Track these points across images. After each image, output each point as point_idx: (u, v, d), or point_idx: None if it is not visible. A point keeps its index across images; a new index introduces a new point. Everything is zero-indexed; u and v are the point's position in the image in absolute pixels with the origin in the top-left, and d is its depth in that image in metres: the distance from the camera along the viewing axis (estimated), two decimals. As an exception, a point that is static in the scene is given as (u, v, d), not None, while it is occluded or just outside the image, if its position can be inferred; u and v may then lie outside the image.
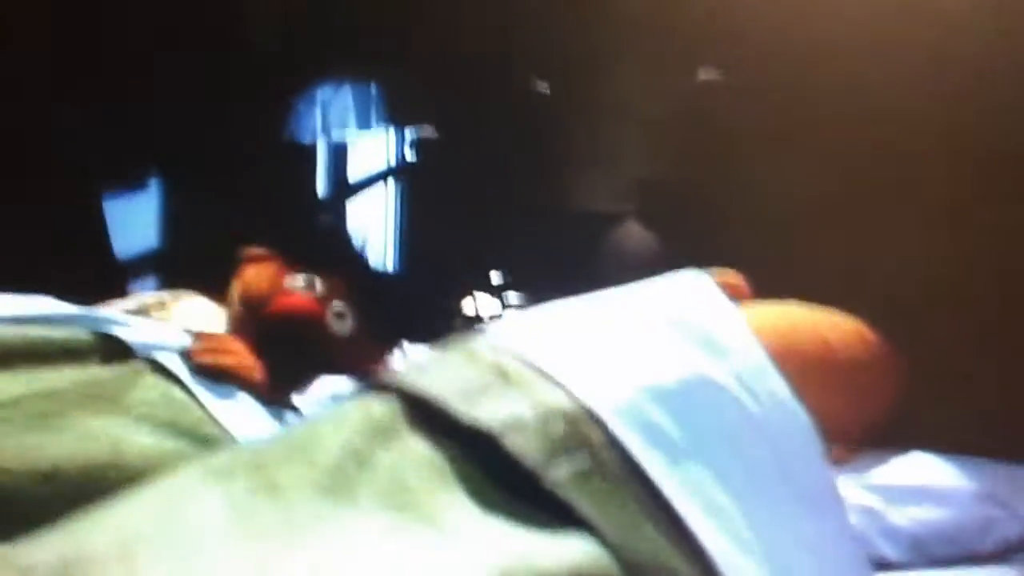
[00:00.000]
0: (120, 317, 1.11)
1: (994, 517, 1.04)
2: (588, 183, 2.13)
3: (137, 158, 2.17)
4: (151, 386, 0.99)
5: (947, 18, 1.39)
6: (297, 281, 1.22)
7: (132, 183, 2.17)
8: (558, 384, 0.74)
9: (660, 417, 0.73)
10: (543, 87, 2.18)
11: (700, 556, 0.67)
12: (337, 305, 1.23)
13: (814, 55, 1.54)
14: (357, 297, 1.25)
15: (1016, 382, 1.25)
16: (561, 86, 2.17)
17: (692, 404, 0.75)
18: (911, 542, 1.02)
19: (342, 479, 0.67)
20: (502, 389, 0.74)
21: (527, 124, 2.15)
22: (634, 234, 2.01)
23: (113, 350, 1.02)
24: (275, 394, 1.10)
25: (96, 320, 1.07)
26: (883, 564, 1.00)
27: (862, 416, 1.14)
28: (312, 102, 2.37)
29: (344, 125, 2.38)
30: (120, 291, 1.92)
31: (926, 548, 1.03)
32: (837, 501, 0.82)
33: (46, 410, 0.92)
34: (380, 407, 0.76)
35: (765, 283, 1.12)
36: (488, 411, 0.71)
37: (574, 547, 0.63)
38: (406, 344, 1.39)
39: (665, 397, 0.74)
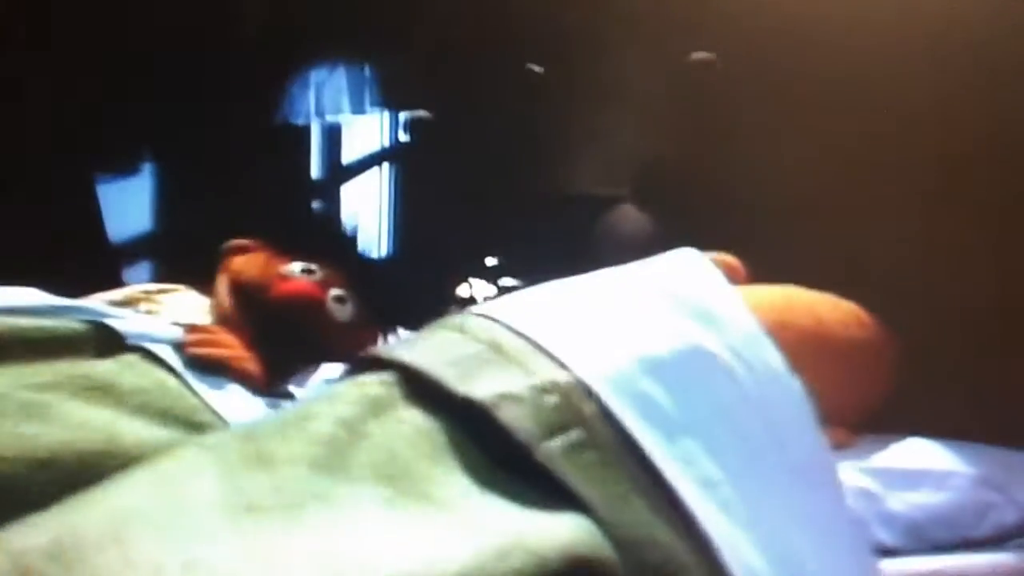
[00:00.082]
0: (111, 309, 1.11)
1: (991, 502, 1.04)
2: (583, 166, 2.12)
3: (130, 143, 2.16)
4: (144, 375, 0.99)
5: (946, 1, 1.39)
6: (295, 268, 1.22)
7: (125, 168, 2.16)
8: (551, 356, 0.74)
9: (653, 389, 0.73)
10: (538, 69, 2.17)
11: (693, 530, 0.67)
12: (337, 291, 1.23)
13: (811, 37, 1.54)
14: (351, 284, 1.24)
15: (1013, 367, 1.25)
16: (556, 68, 2.15)
17: (686, 376, 0.75)
18: (908, 527, 1.02)
19: (335, 451, 0.67)
20: (495, 362, 0.73)
21: (522, 107, 2.14)
22: (629, 217, 2.00)
23: (105, 340, 1.02)
24: (270, 384, 1.10)
25: (88, 311, 1.06)
26: (880, 550, 1.00)
27: (858, 397, 1.14)
28: (306, 85, 2.35)
29: (338, 108, 2.37)
30: (114, 278, 1.92)
31: (923, 533, 1.03)
32: (831, 471, 0.82)
33: (40, 400, 0.92)
34: (373, 382, 0.75)
35: (761, 266, 1.12)
36: (481, 384, 0.71)
37: (567, 525, 0.63)
38: (401, 330, 1.39)
39: (659, 369, 0.74)
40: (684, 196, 1.87)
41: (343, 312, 1.23)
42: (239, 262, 1.26)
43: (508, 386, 0.70)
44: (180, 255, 2.00)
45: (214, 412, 0.98)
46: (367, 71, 2.38)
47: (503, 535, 0.61)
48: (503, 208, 2.13)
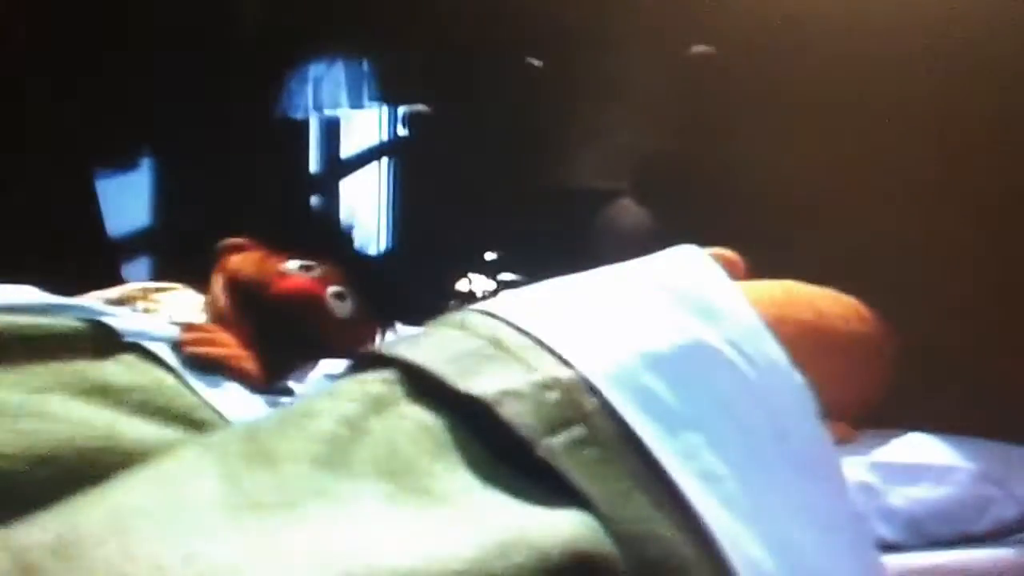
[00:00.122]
0: (108, 308, 1.11)
1: (991, 497, 1.04)
2: (582, 160, 2.12)
3: (129, 138, 2.16)
4: (142, 374, 0.98)
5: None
6: (293, 265, 1.22)
7: (124, 164, 2.16)
8: (553, 353, 0.74)
9: (655, 384, 0.73)
10: (537, 63, 2.16)
11: (695, 524, 0.67)
12: (335, 287, 1.23)
13: (811, 31, 1.54)
14: (354, 283, 1.25)
15: (1013, 362, 1.25)
16: (555, 62, 2.15)
17: (687, 370, 0.75)
18: (908, 522, 1.02)
19: (337, 448, 0.67)
20: (496, 358, 0.73)
21: (521, 101, 2.14)
22: (628, 211, 2.00)
23: (103, 339, 1.02)
24: (269, 381, 1.10)
25: (85, 309, 1.06)
26: (880, 545, 1.00)
27: (858, 392, 1.14)
28: (304, 79, 2.35)
29: (336, 102, 2.37)
30: (113, 274, 1.92)
31: (922, 528, 1.03)
32: (834, 464, 0.82)
33: (39, 399, 0.92)
34: (375, 379, 0.75)
35: (761, 260, 1.12)
36: (482, 380, 0.71)
37: (569, 520, 0.63)
38: (400, 326, 1.39)
39: (660, 364, 0.74)
40: (683, 190, 1.87)
41: (342, 308, 1.23)
42: (235, 260, 1.26)
43: (510, 382, 0.70)
44: (179, 251, 2.00)
45: (213, 409, 0.98)
46: (365, 65, 2.38)
47: (505, 530, 0.61)
48: (502, 202, 2.13)
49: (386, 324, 1.33)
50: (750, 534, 0.68)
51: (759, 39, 1.66)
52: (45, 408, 0.91)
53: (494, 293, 2.05)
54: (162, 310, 1.22)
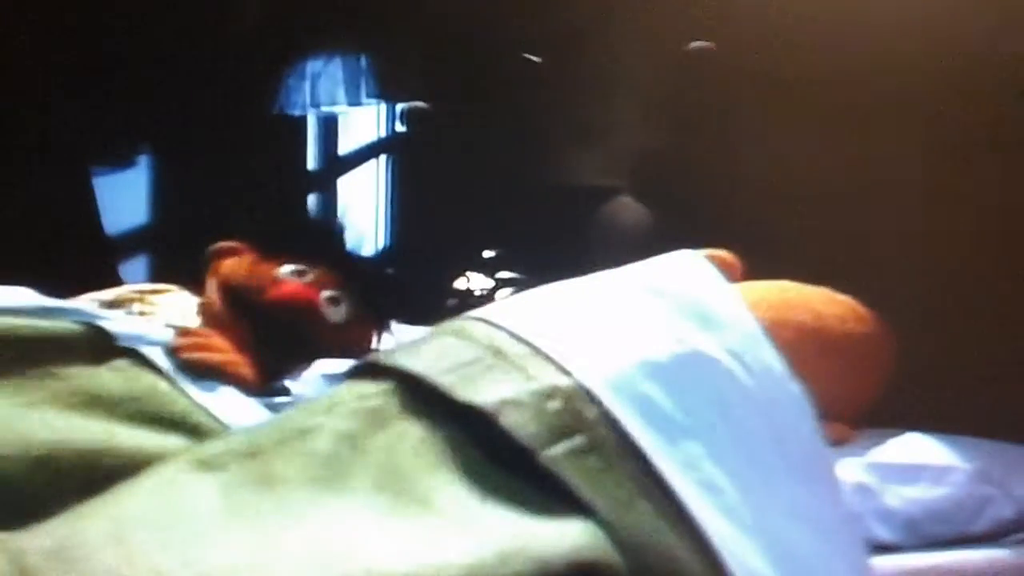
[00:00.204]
0: (103, 311, 1.10)
1: (988, 497, 1.04)
2: (581, 157, 2.12)
3: (126, 136, 2.16)
4: (135, 381, 0.98)
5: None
6: (288, 270, 1.22)
7: (121, 161, 2.16)
8: (552, 361, 0.74)
9: (655, 393, 0.73)
10: (535, 59, 2.16)
11: (696, 535, 0.67)
12: (330, 291, 1.23)
13: (811, 27, 1.53)
14: (348, 286, 1.24)
15: (1011, 362, 1.25)
16: (553, 58, 2.15)
17: (686, 378, 0.75)
18: (905, 522, 1.03)
19: (335, 468, 0.67)
20: (496, 367, 0.73)
21: (519, 97, 2.14)
22: (627, 209, 2.00)
23: (97, 342, 1.02)
24: (265, 385, 1.10)
25: (80, 313, 1.06)
26: (877, 546, 1.00)
27: (856, 392, 1.14)
28: (302, 76, 2.35)
29: (334, 99, 2.36)
30: (110, 272, 1.92)
31: (920, 528, 1.03)
32: (831, 474, 0.82)
33: (35, 403, 0.92)
34: (373, 389, 0.75)
35: (758, 258, 1.11)
36: (482, 390, 0.71)
37: (572, 530, 0.63)
38: (397, 325, 1.39)
39: (659, 372, 0.74)
40: (682, 187, 1.87)
41: (337, 313, 1.23)
42: (228, 265, 1.26)
43: (509, 391, 0.70)
44: (175, 249, 2.00)
45: (209, 414, 0.98)
46: (363, 62, 2.38)
47: (505, 540, 0.61)
48: (501, 200, 2.13)
49: (383, 325, 1.33)
50: (750, 544, 0.68)
51: (758, 36, 1.65)
52: (41, 414, 0.91)
53: (493, 291, 2.05)
54: (158, 312, 1.22)
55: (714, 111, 1.84)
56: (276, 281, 1.21)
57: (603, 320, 0.80)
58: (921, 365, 1.16)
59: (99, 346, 1.01)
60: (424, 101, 2.32)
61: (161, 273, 1.99)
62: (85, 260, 1.90)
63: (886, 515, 1.02)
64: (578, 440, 0.68)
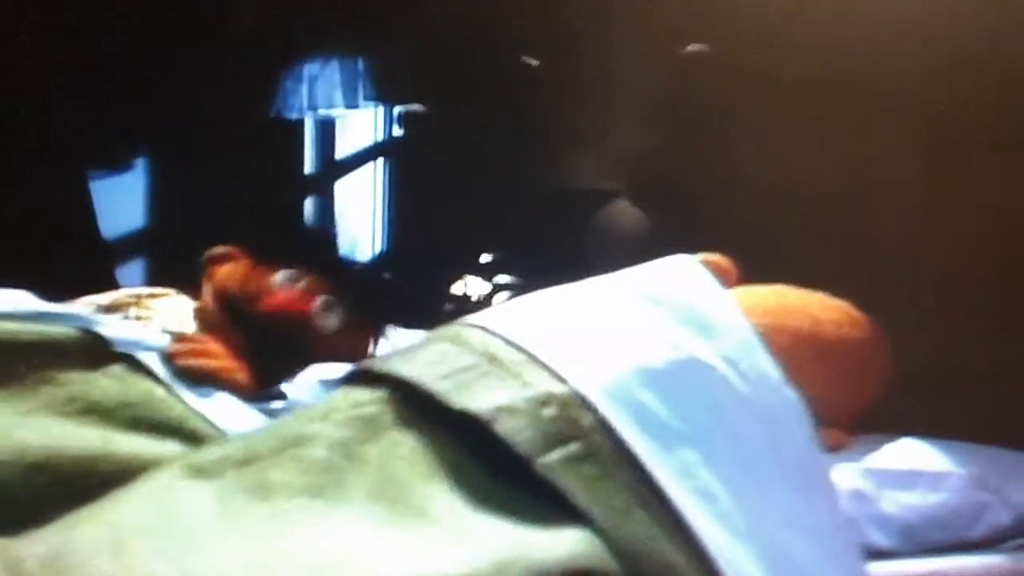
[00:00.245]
0: (99, 316, 1.10)
1: (985, 503, 1.04)
2: (578, 160, 2.12)
3: (123, 139, 2.15)
4: (131, 387, 0.98)
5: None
6: (280, 278, 1.22)
7: (118, 165, 2.15)
8: (548, 368, 0.74)
9: (651, 400, 0.73)
10: (533, 62, 2.16)
11: (691, 542, 0.67)
12: (322, 300, 1.23)
13: (807, 30, 1.54)
14: (341, 293, 1.25)
15: (1007, 367, 1.25)
16: (551, 61, 2.15)
17: (682, 386, 0.75)
18: (902, 528, 1.02)
19: (331, 475, 0.67)
20: (491, 374, 0.73)
21: (516, 100, 2.14)
22: (624, 212, 2.01)
23: (94, 348, 1.02)
24: (261, 391, 1.10)
25: (77, 318, 1.06)
26: (873, 552, 1.00)
27: (852, 398, 1.14)
28: (299, 79, 2.35)
29: (331, 102, 2.36)
30: (107, 276, 1.92)
31: (917, 534, 1.03)
32: (827, 481, 0.82)
33: (31, 408, 0.92)
34: (368, 396, 0.75)
35: (755, 262, 1.11)
36: (478, 397, 0.71)
37: (568, 537, 0.63)
38: (393, 329, 1.39)
39: (655, 379, 0.74)
40: (678, 191, 1.87)
41: (330, 320, 1.24)
42: (223, 272, 1.26)
43: (505, 398, 0.70)
44: (172, 253, 1.99)
45: (206, 420, 0.98)
46: (360, 65, 2.38)
47: (502, 548, 0.61)
48: (498, 203, 2.13)
49: (379, 330, 1.33)
50: (745, 551, 0.68)
51: (755, 38, 1.65)
52: (38, 420, 0.91)
53: (490, 295, 2.05)
54: (155, 317, 1.22)
55: (711, 114, 1.84)
56: (268, 291, 1.21)
57: (598, 327, 0.80)
58: (918, 370, 1.16)
59: (95, 352, 1.01)
60: (421, 104, 2.32)
61: (158, 277, 1.99)
62: (82, 264, 1.90)
63: (883, 521, 1.02)
64: (574, 447, 0.68)
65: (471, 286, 2.09)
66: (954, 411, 1.18)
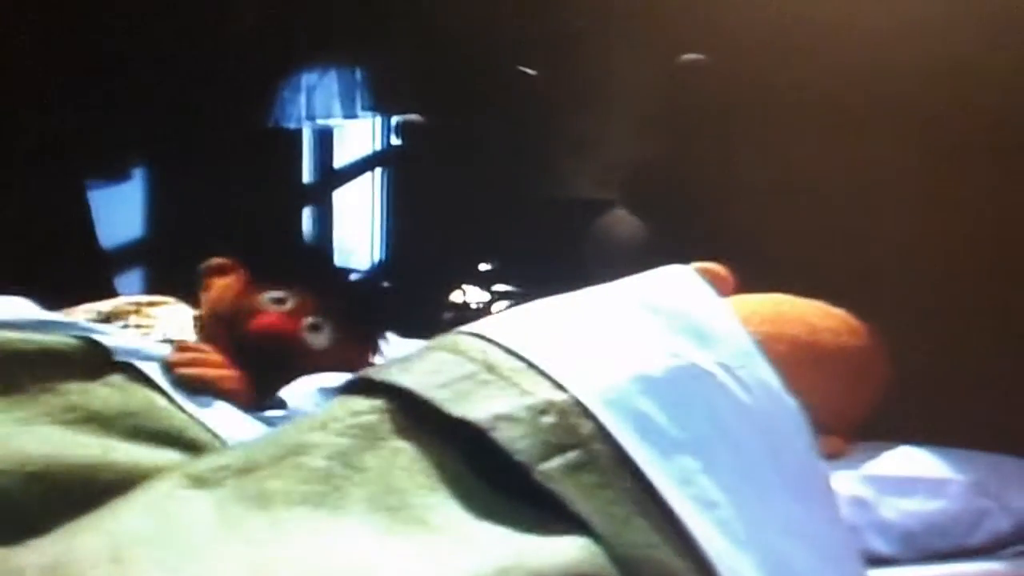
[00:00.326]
0: (100, 325, 1.11)
1: (985, 509, 1.04)
2: (575, 169, 2.13)
3: (121, 149, 2.16)
4: (131, 396, 0.99)
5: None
6: (268, 298, 1.23)
7: (116, 174, 2.16)
8: (547, 376, 0.74)
9: (650, 408, 0.73)
10: (530, 72, 2.17)
11: (692, 549, 0.67)
12: (311, 319, 1.24)
13: (803, 38, 1.54)
14: (332, 310, 1.25)
15: (1006, 373, 1.25)
16: (548, 71, 2.16)
17: (681, 394, 0.75)
18: (902, 535, 1.02)
19: (331, 484, 0.68)
20: (490, 383, 0.74)
21: (513, 110, 2.14)
22: (621, 221, 2.01)
23: (94, 357, 1.02)
24: (260, 399, 1.10)
25: (78, 327, 1.06)
26: (874, 559, 1.00)
27: (851, 405, 1.14)
28: (297, 89, 2.35)
29: (329, 112, 2.37)
30: (105, 285, 1.92)
31: (917, 541, 1.02)
32: (827, 488, 0.82)
33: (31, 417, 0.92)
34: (366, 405, 0.75)
35: (752, 271, 1.11)
36: (477, 405, 0.71)
37: (568, 545, 0.63)
38: (392, 337, 1.39)
39: (654, 388, 0.74)
40: (675, 200, 1.87)
41: (319, 340, 1.25)
42: (217, 288, 1.28)
43: (504, 407, 0.70)
44: (171, 262, 2.00)
45: (206, 428, 0.98)
46: (359, 75, 2.38)
47: (503, 556, 0.61)
48: (496, 213, 2.13)
49: (374, 343, 1.34)
50: (745, 559, 0.68)
51: (752, 47, 1.66)
52: (37, 429, 0.91)
53: (489, 304, 2.05)
54: (155, 325, 1.22)
55: (708, 123, 1.85)
56: (257, 312, 1.22)
57: (597, 335, 0.81)
58: (917, 377, 1.16)
59: (96, 360, 1.01)
60: (419, 114, 2.32)
61: (156, 285, 1.99)
62: (80, 272, 1.90)
63: (883, 528, 1.02)
64: (573, 455, 0.68)
65: (469, 295, 2.09)
66: (953, 418, 1.18)
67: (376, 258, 2.42)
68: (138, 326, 1.22)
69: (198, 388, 1.04)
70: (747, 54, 1.68)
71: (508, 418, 0.69)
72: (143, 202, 2.25)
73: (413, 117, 2.34)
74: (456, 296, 2.09)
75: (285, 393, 1.11)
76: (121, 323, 1.22)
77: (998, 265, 1.31)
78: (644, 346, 0.78)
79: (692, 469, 0.71)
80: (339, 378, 1.03)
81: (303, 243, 2.28)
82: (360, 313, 1.31)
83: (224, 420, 1.01)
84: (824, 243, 1.48)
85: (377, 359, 1.33)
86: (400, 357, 0.83)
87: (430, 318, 1.93)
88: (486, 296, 2.08)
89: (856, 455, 1.09)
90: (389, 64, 2.34)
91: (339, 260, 2.32)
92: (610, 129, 2.05)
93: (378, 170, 2.51)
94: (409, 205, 2.39)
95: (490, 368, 0.75)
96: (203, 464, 0.72)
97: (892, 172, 1.45)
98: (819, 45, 1.51)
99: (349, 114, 2.39)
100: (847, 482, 1.03)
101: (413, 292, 2.09)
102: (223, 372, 1.09)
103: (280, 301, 1.24)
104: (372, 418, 0.74)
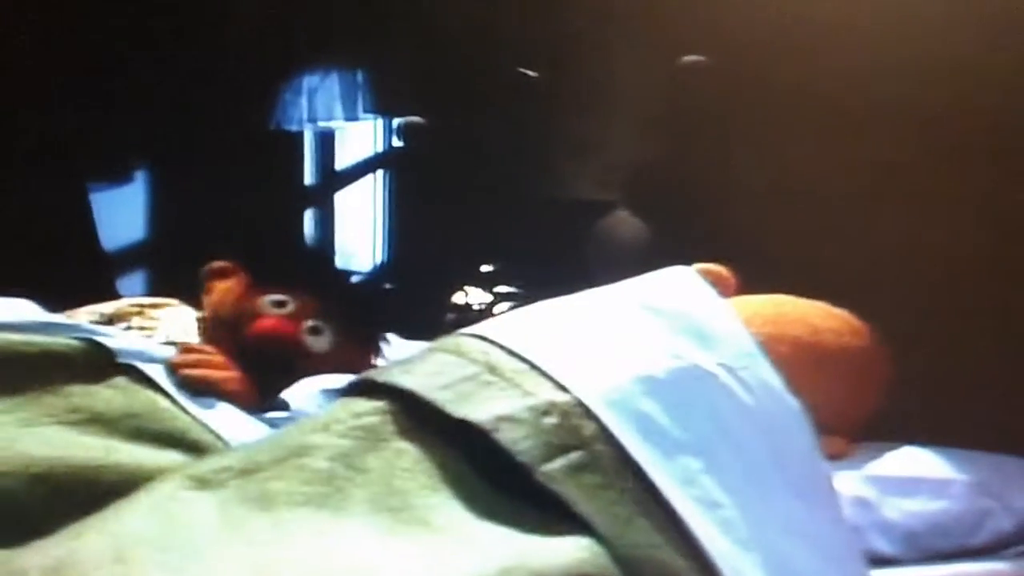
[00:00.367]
0: (102, 327, 1.11)
1: (988, 509, 1.04)
2: (577, 171, 2.13)
3: (123, 151, 2.16)
4: (134, 398, 0.99)
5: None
6: (269, 301, 1.23)
7: (118, 176, 2.16)
8: (549, 377, 0.74)
9: (652, 409, 0.73)
10: (531, 74, 2.17)
11: (694, 549, 0.67)
12: (311, 322, 1.25)
13: (804, 40, 1.54)
14: (333, 313, 1.26)
15: (1009, 373, 1.25)
16: (549, 73, 2.16)
17: (683, 395, 0.76)
18: (905, 535, 1.02)
19: (334, 489, 0.68)
20: (492, 384, 0.74)
21: (515, 112, 2.14)
22: (624, 223, 2.01)
23: (97, 358, 1.02)
24: (263, 401, 1.10)
25: (79, 329, 1.06)
26: (876, 559, 1.00)
27: (853, 406, 1.14)
28: (299, 91, 2.35)
29: (331, 114, 2.37)
30: (107, 286, 1.92)
31: (920, 541, 1.02)
32: (830, 489, 0.82)
33: (35, 419, 0.92)
34: (368, 407, 0.76)
35: (754, 272, 1.12)
36: (479, 407, 0.71)
37: (571, 545, 0.64)
38: (395, 339, 1.39)
39: (656, 388, 0.74)
40: (677, 201, 1.87)
41: (319, 343, 1.25)
42: (219, 292, 1.28)
43: (507, 408, 0.71)
44: (173, 263, 2.00)
45: (209, 430, 0.98)
46: (360, 77, 2.38)
47: (505, 557, 0.61)
48: (498, 214, 2.13)
49: (376, 345, 1.34)
50: (748, 559, 0.68)
51: (752, 49, 1.66)
52: (40, 431, 0.91)
53: (491, 305, 2.05)
54: (159, 327, 1.23)
55: (709, 124, 1.85)
56: (258, 315, 1.23)
57: (599, 337, 0.81)
58: (919, 377, 1.16)
59: (99, 362, 1.01)
60: (421, 116, 2.33)
61: (158, 287, 1.99)
62: (82, 274, 1.90)
63: (886, 528, 1.02)
64: (575, 456, 0.68)
65: (471, 296, 2.09)
66: (956, 418, 1.18)
67: (378, 260, 2.43)
68: (141, 328, 1.22)
69: (202, 389, 1.04)
70: (748, 55, 1.68)
71: (510, 419, 0.70)
72: (145, 204, 2.25)
73: (414, 119, 2.34)
74: (458, 297, 2.09)
75: (287, 395, 1.12)
76: (124, 325, 1.23)
77: (998, 265, 1.31)
78: (646, 347, 0.78)
79: (694, 470, 0.71)
80: (341, 380, 1.04)
81: (304, 246, 2.28)
82: (361, 316, 1.32)
83: (227, 422, 1.01)
84: (825, 244, 1.48)
85: (378, 361, 1.33)
86: (402, 359, 0.83)
87: (432, 319, 1.93)
88: (488, 297, 2.08)
89: (858, 455, 1.09)
90: (390, 66, 2.35)
91: (341, 262, 2.33)
92: (611, 130, 2.05)
93: (380, 172, 2.51)
94: (411, 207, 2.39)
95: (492, 369, 0.75)
96: (206, 465, 0.72)
97: (893, 173, 1.45)
98: (819, 46, 1.51)
99: (350, 116, 2.40)
100: (849, 482, 1.03)
101: (415, 293, 2.10)
102: (227, 374, 1.09)
103: (281, 304, 1.24)
104: (374, 419, 0.74)
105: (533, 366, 0.75)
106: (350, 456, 0.70)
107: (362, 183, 2.52)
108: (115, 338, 1.06)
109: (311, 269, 1.40)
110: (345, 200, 2.50)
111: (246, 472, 0.69)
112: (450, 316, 2.02)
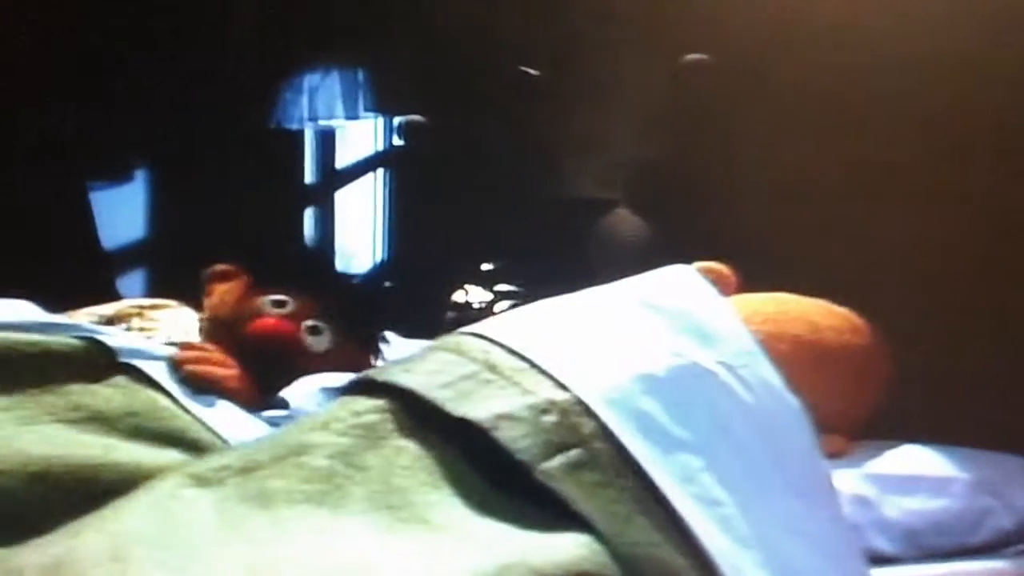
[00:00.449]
0: (102, 327, 1.11)
1: (988, 507, 1.04)
2: (578, 169, 2.13)
3: (122, 150, 2.16)
4: (134, 397, 0.99)
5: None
6: (269, 301, 1.24)
7: (118, 176, 2.16)
8: (548, 375, 0.74)
9: (651, 407, 0.73)
10: (532, 72, 2.17)
11: (694, 547, 0.67)
12: (311, 322, 1.25)
13: (806, 38, 1.54)
14: (332, 312, 1.26)
15: (1008, 371, 1.25)
16: (550, 71, 2.16)
17: (683, 393, 0.76)
18: (905, 534, 1.02)
19: (333, 487, 0.68)
20: (492, 382, 0.74)
21: (516, 110, 2.14)
22: (625, 221, 2.01)
23: (97, 358, 1.02)
24: (264, 400, 1.10)
25: (79, 328, 1.07)
26: (876, 558, 0.99)
27: (853, 404, 1.14)
28: (299, 90, 2.35)
29: (332, 113, 2.37)
30: (107, 287, 1.92)
31: (920, 539, 1.02)
32: (830, 487, 0.82)
33: (34, 418, 0.92)
34: (367, 405, 0.76)
35: (754, 270, 1.11)
36: (478, 405, 0.71)
37: (570, 543, 0.63)
38: (395, 338, 1.39)
39: (656, 386, 0.74)
40: (678, 199, 1.87)
41: (319, 343, 1.26)
42: (219, 294, 1.29)
43: (506, 406, 0.71)
44: (173, 263, 2.00)
45: (209, 429, 0.99)
46: (361, 76, 2.38)
47: (504, 554, 0.61)
48: (499, 212, 2.13)
49: (372, 347, 1.34)
50: (749, 557, 0.68)
51: (754, 47, 1.66)
52: (39, 429, 0.91)
53: (491, 304, 2.05)
54: (159, 328, 1.23)
55: (710, 123, 1.85)
56: (257, 315, 1.23)
57: (599, 335, 0.81)
58: (919, 376, 1.16)
59: (99, 361, 1.01)
60: (421, 114, 2.32)
61: (158, 287, 2.00)
62: (82, 274, 1.91)
63: (885, 526, 1.02)
64: (574, 454, 0.68)
65: (472, 295, 2.09)
66: (956, 416, 1.18)
67: (378, 258, 2.43)
68: (141, 329, 1.22)
69: (203, 386, 1.04)
70: (749, 54, 1.68)
71: (510, 417, 0.70)
72: (145, 203, 2.25)
73: (415, 117, 2.34)
74: (458, 296, 2.09)
75: (287, 393, 1.12)
76: (124, 326, 1.23)
77: (999, 264, 1.31)
78: (646, 345, 0.78)
79: (694, 467, 0.71)
80: (341, 378, 1.04)
81: (303, 246, 2.29)
82: (360, 315, 1.32)
83: (226, 420, 1.01)
84: (826, 242, 1.48)
85: (377, 361, 1.33)
86: (402, 357, 0.83)
87: (432, 318, 1.93)
88: (488, 296, 2.08)
89: (858, 453, 1.09)
90: (391, 64, 2.35)
91: (341, 261, 2.33)
92: (612, 129, 2.04)
93: (380, 170, 2.51)
94: (411, 205, 2.39)
95: (492, 368, 0.75)
96: (205, 464, 0.72)
97: (894, 171, 1.45)
98: (821, 44, 1.51)
99: (351, 115, 2.40)
100: (849, 480, 1.03)
101: (415, 292, 2.10)
102: (228, 371, 1.09)
103: (280, 304, 1.25)
104: (374, 418, 0.74)
105: (533, 364, 0.75)
106: (349, 454, 0.70)
107: (363, 181, 2.52)
108: (115, 337, 1.06)
109: (310, 269, 1.40)
110: (345, 198, 2.50)
111: (245, 470, 0.69)
112: (450, 314, 2.02)
